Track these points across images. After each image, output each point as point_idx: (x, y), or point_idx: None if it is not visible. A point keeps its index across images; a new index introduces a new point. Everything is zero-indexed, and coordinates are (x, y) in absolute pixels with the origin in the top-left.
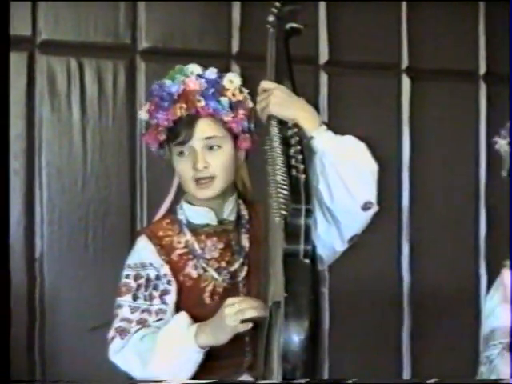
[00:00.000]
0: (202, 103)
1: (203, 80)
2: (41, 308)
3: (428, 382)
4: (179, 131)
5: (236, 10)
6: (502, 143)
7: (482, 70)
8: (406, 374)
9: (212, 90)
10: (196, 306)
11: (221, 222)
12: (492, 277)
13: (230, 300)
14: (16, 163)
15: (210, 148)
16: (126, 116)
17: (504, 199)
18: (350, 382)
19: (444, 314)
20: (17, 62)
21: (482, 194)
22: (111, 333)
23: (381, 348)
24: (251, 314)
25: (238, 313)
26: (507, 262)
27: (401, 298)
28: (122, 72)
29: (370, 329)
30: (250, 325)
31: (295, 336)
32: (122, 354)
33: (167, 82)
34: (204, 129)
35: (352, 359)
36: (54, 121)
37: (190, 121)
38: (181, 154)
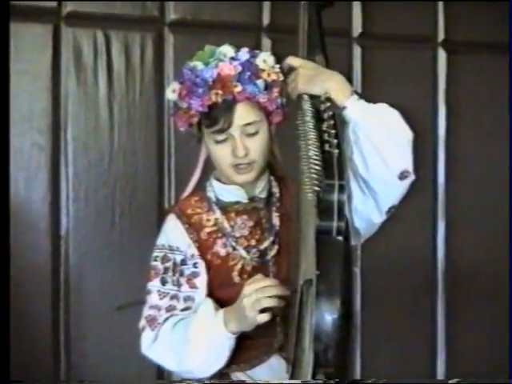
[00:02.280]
0: (239, 88)
1: (237, 63)
2: (65, 287)
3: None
4: (217, 118)
5: None
6: None
7: None
8: (440, 357)
9: (248, 74)
10: (225, 284)
11: (251, 199)
12: None
13: (247, 288)
14: (41, 138)
15: (249, 134)
16: (153, 90)
17: None
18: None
19: (479, 295)
20: (42, 34)
21: None
22: (142, 322)
23: (414, 329)
24: (269, 303)
25: (255, 303)
26: None
27: (435, 277)
28: (149, 45)
29: (402, 309)
30: (269, 316)
31: (327, 315)
32: (155, 348)
33: (199, 65)
34: (242, 115)
35: (384, 340)
36: (80, 95)
37: (227, 107)
38: (218, 140)
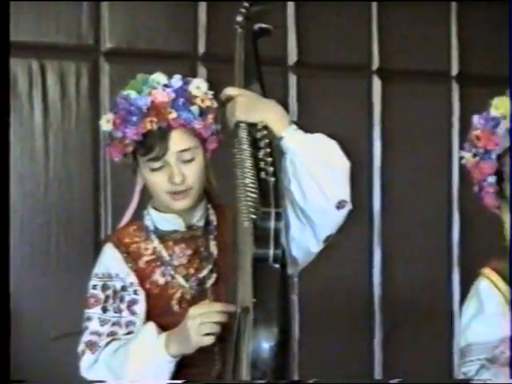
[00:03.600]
0: (174, 115)
1: (170, 90)
2: None
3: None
4: (152, 146)
5: (202, 10)
6: (467, 156)
7: (455, 70)
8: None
9: (182, 100)
10: (164, 313)
11: (189, 227)
12: (466, 284)
13: (191, 311)
14: None
15: (185, 160)
16: (89, 119)
17: (479, 205)
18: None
19: (416, 321)
20: None
21: (456, 198)
22: (81, 346)
23: (352, 356)
24: (214, 327)
25: (200, 326)
26: (484, 271)
27: (372, 304)
28: (84, 74)
29: (340, 336)
30: (213, 339)
31: (264, 342)
32: (94, 369)
33: (132, 94)
34: (177, 142)
35: (323, 367)
36: (15, 124)
37: (162, 134)
38: (154, 168)
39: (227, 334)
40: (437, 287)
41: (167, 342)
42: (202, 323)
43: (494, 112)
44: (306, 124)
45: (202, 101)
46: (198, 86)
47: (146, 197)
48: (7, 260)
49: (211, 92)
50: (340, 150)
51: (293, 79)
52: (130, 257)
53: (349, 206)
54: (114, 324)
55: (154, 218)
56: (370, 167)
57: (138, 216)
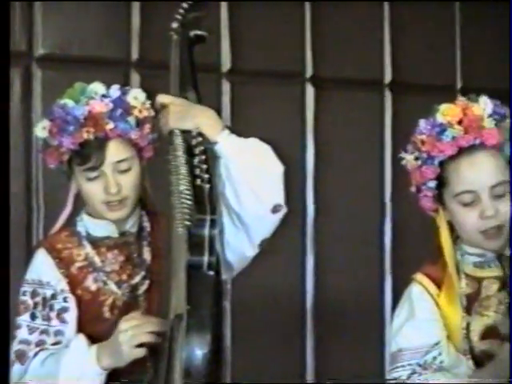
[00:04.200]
0: (111, 125)
1: (108, 100)
2: None
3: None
4: (88, 156)
5: (136, 16)
6: (408, 158)
7: (388, 78)
8: None
9: (120, 111)
10: (95, 320)
11: (122, 234)
12: (398, 289)
13: (123, 325)
14: None
15: (121, 171)
16: (21, 125)
17: (411, 211)
18: None
19: (348, 326)
20: None
21: (388, 204)
22: (11, 356)
23: (284, 362)
24: (145, 338)
25: (132, 339)
26: (416, 276)
27: (304, 309)
28: (17, 79)
29: (273, 342)
30: (145, 351)
31: (197, 349)
32: (24, 381)
33: (69, 103)
34: (114, 152)
35: (255, 373)
36: None
37: (99, 145)
38: (90, 177)
39: (160, 341)
40: (369, 292)
41: (98, 355)
42: (134, 335)
43: (440, 118)
44: (240, 131)
45: (140, 111)
46: (136, 97)
47: (80, 203)
48: (7, 260)
49: (149, 102)
50: (274, 155)
51: (226, 86)
52: (62, 262)
53: (284, 210)
54: (42, 332)
55: (87, 224)
56: (304, 172)
57: (72, 222)
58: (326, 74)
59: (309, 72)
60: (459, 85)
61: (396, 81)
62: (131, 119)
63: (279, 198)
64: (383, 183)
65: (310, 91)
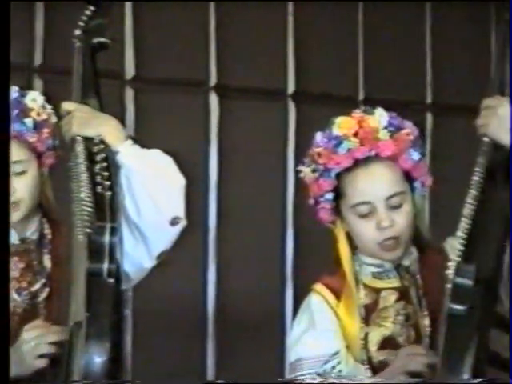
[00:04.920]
0: None
1: None
2: None
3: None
4: None
5: (39, 21)
6: (306, 171)
7: (291, 88)
8: None
9: (16, 112)
10: None
11: (22, 240)
12: (298, 297)
13: (26, 335)
14: None
15: (16, 173)
16: None
17: (313, 220)
18: None
19: (250, 334)
20: None
21: (290, 214)
22: None
23: (186, 370)
24: (48, 349)
25: (34, 349)
26: (315, 286)
27: (206, 318)
28: None
29: (174, 350)
30: (47, 361)
31: (96, 357)
32: None
33: None
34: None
35: (157, 381)
36: None
37: None
38: None
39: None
40: (271, 300)
41: None
42: (36, 345)
43: (336, 131)
44: (142, 139)
45: (38, 114)
46: (34, 99)
47: None
48: (7, 260)
49: (50, 106)
50: (175, 167)
51: (130, 94)
52: None
53: (183, 223)
54: None
55: None
56: (206, 183)
57: None
58: (230, 83)
59: (213, 81)
60: (361, 96)
61: (299, 91)
62: (28, 121)
63: (179, 210)
64: (286, 193)
65: (214, 100)
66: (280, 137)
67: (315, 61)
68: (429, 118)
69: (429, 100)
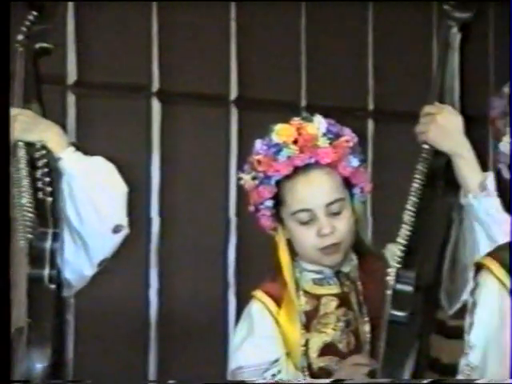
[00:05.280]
0: None
1: None
2: None
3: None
4: None
5: None
6: (246, 178)
7: (234, 94)
8: None
9: None
10: None
11: None
12: (241, 303)
13: None
14: None
15: None
16: None
17: (256, 227)
18: None
19: (192, 339)
20: None
21: (233, 220)
22: None
23: (128, 374)
24: None
25: None
26: (256, 293)
27: (148, 323)
28: None
29: (117, 356)
30: None
31: (38, 363)
32: None
33: None
34: None
35: None
36: None
37: None
38: None
39: None
40: (213, 306)
41: None
42: None
43: (276, 138)
44: (84, 145)
45: None
46: None
47: None
48: (7, 259)
49: None
50: (118, 174)
51: (72, 99)
52: None
53: (125, 231)
54: None
55: None
56: (148, 190)
57: None
58: (173, 89)
59: (155, 86)
60: (303, 102)
61: (242, 97)
62: None
63: (121, 218)
64: (228, 199)
65: (156, 105)
66: (222, 143)
67: (258, 67)
68: (370, 124)
69: (371, 106)
